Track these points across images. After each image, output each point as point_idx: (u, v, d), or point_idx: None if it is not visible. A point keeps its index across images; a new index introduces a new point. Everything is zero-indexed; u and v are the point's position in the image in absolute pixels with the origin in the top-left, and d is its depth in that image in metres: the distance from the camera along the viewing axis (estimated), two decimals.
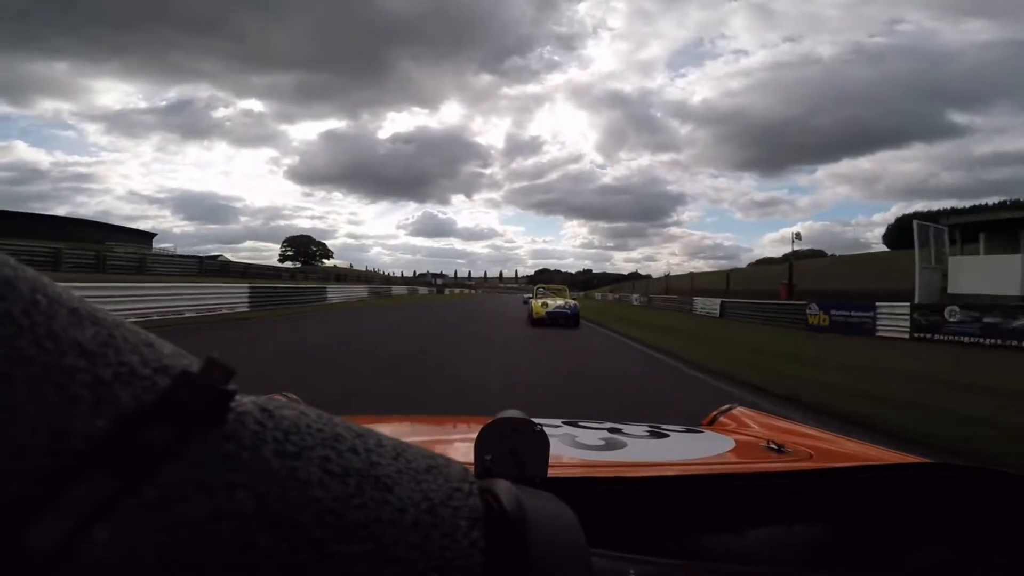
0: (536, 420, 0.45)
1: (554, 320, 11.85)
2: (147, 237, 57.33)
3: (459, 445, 0.82)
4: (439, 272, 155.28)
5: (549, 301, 12.82)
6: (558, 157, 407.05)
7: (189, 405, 0.14)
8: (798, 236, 21.54)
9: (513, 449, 0.43)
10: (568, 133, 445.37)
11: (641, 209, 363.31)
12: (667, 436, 0.86)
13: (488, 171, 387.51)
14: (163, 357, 0.16)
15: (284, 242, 74.56)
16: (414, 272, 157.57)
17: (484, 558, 0.16)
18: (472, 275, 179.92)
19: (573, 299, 13.72)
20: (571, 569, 0.17)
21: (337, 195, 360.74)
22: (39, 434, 0.13)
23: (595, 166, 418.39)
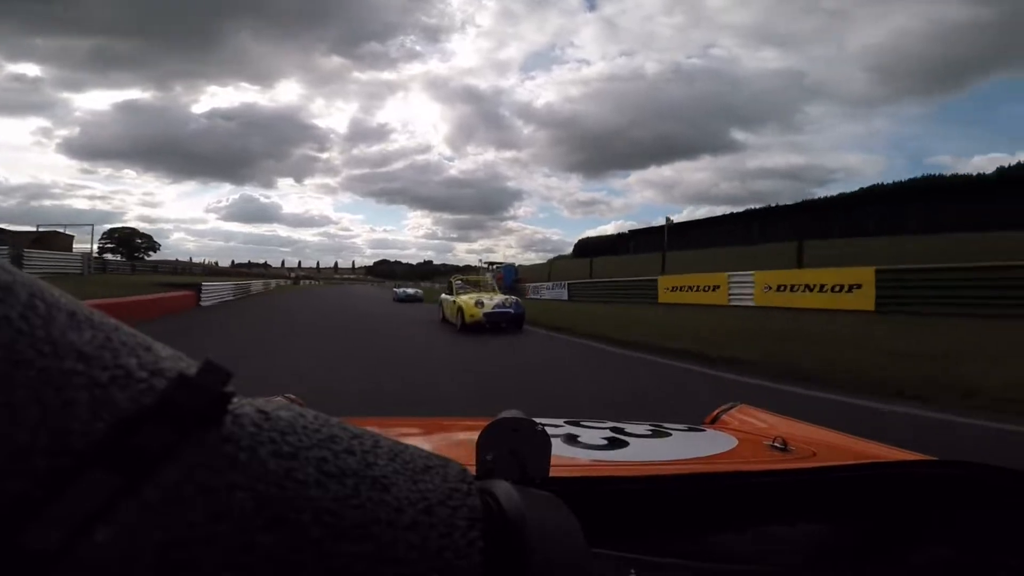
0: (537, 420, 0.46)
1: (495, 324, 8.27)
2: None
3: (460, 446, 0.83)
4: (263, 262, 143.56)
5: (485, 299, 8.87)
6: (406, 146, 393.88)
7: (187, 407, 0.15)
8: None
9: (514, 449, 0.44)
10: (420, 123, 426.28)
11: (483, 202, 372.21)
12: (669, 435, 0.86)
13: (325, 155, 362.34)
14: (160, 360, 0.16)
15: (104, 235, 71.18)
16: (232, 261, 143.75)
17: (483, 558, 0.16)
18: (302, 264, 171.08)
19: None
20: (571, 569, 0.17)
21: (129, 173, 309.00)
22: (39, 435, 0.13)
23: (443, 158, 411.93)
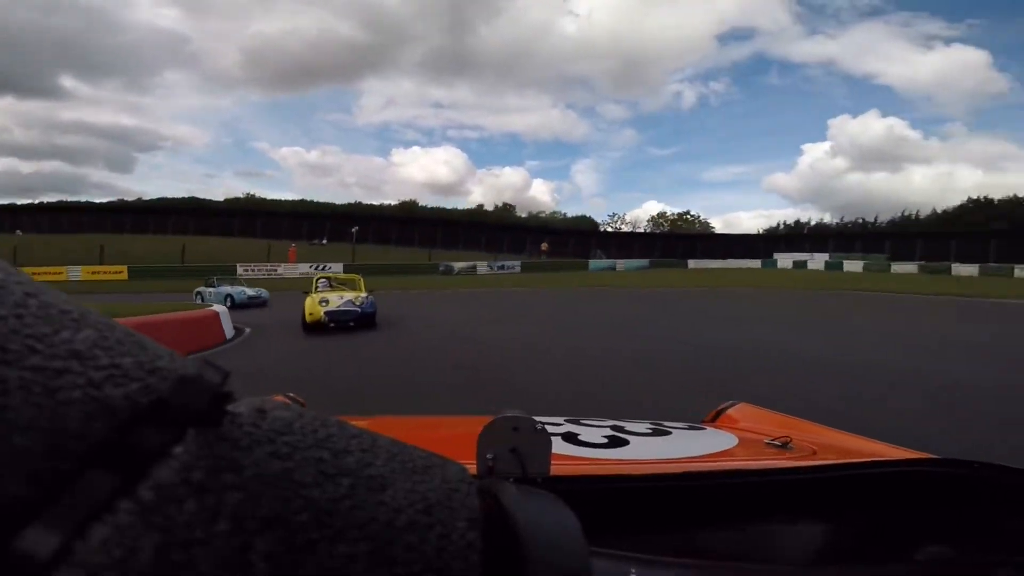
0: (537, 418, 0.46)
1: (340, 322, 8.10)
2: None
3: (461, 445, 0.80)
4: None
5: (331, 296, 8.58)
6: None
7: (184, 407, 0.15)
8: None
9: (515, 448, 0.44)
10: None
11: None
12: (669, 433, 0.87)
13: None
14: (157, 359, 0.16)
15: None
16: None
17: (482, 559, 0.16)
18: None
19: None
20: (571, 570, 0.17)
21: None
22: (33, 436, 0.13)
23: None
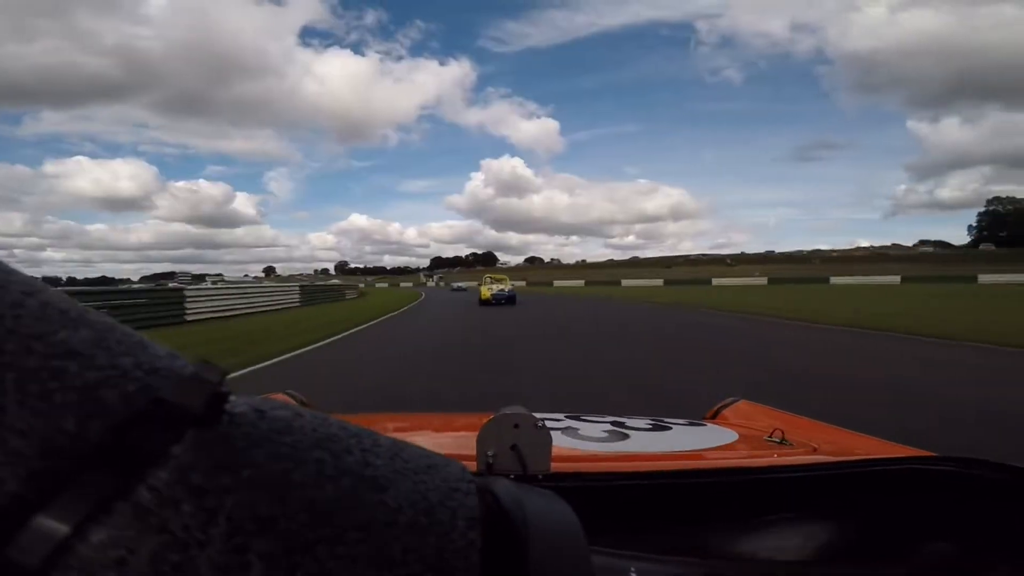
0: (538, 415, 0.45)
1: (497, 300, 16.70)
2: None
3: (461, 442, 0.82)
4: None
5: (495, 287, 17.90)
6: None
7: (182, 407, 0.14)
8: None
9: (515, 445, 0.43)
10: None
11: None
12: (670, 429, 0.86)
13: None
14: (156, 359, 0.15)
15: None
16: None
17: (481, 559, 0.16)
18: None
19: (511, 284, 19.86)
20: (571, 569, 0.17)
21: None
22: (30, 437, 0.13)
23: None
